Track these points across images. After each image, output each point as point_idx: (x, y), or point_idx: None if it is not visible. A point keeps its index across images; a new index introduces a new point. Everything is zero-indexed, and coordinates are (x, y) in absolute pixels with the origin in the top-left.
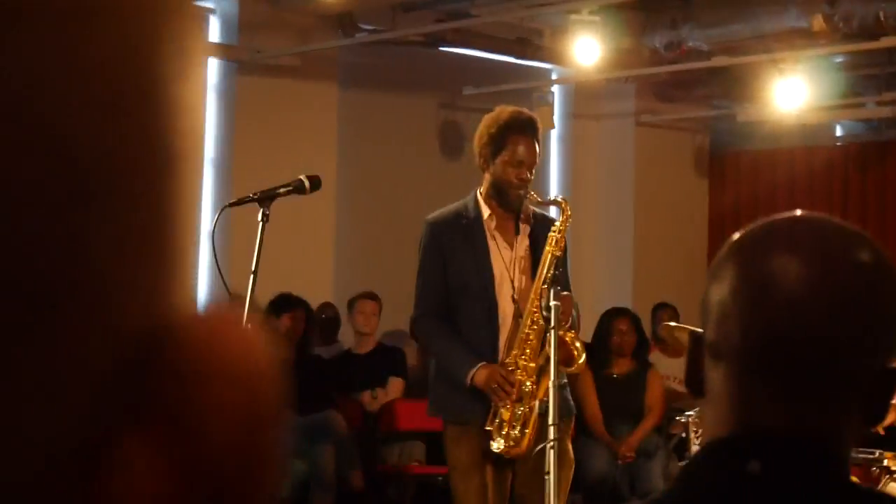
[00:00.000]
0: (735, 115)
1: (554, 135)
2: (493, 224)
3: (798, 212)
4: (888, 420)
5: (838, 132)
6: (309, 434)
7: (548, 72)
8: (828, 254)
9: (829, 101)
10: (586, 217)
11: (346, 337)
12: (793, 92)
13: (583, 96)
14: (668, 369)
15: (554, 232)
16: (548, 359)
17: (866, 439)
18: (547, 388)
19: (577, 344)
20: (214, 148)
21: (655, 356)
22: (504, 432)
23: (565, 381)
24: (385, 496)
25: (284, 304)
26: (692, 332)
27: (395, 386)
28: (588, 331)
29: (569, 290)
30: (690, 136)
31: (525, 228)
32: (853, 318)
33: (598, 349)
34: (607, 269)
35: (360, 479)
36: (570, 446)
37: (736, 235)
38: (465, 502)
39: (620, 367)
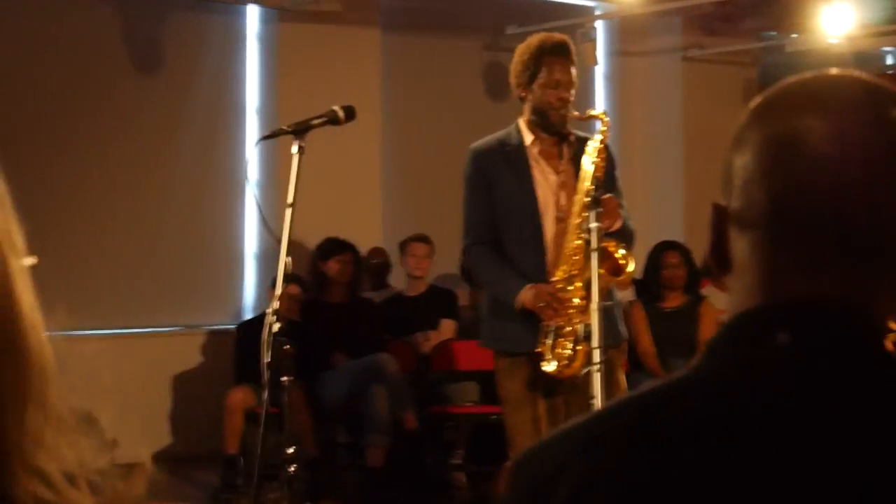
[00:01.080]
0: (784, 45)
1: (599, 72)
2: (537, 150)
3: (827, 70)
4: None
5: (889, 61)
6: (361, 377)
7: (591, 9)
8: (857, 110)
9: (877, 27)
10: (635, 154)
11: (397, 281)
12: (840, 18)
13: (627, 32)
14: (723, 303)
15: (594, 141)
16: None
17: None
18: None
19: (622, 252)
20: (259, 97)
21: (709, 290)
22: (556, 351)
23: (611, 303)
24: (439, 437)
25: (332, 248)
26: (715, 204)
27: (448, 327)
28: (640, 266)
29: (623, 203)
30: (738, 69)
31: (568, 152)
32: (884, 176)
33: (649, 283)
34: (659, 206)
35: (414, 420)
36: (622, 376)
37: (757, 99)
38: (518, 435)
39: (672, 301)
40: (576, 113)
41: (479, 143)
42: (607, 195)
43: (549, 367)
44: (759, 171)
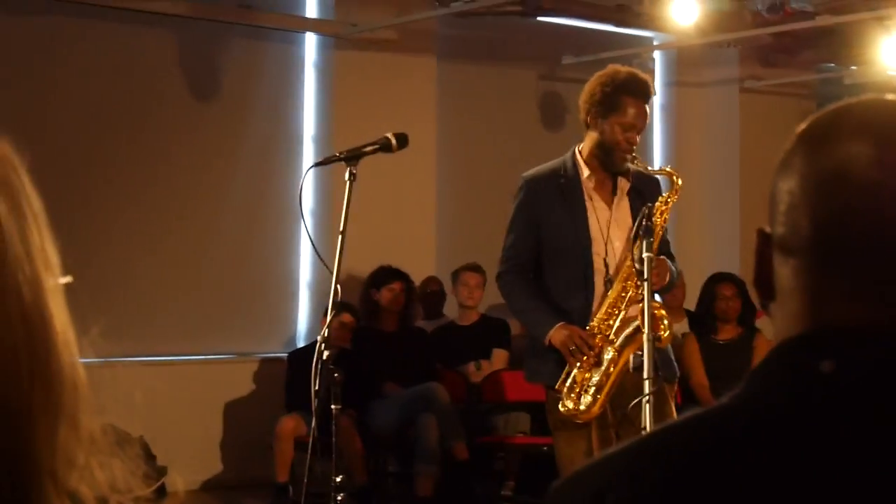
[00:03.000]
0: (842, 77)
1: (656, 103)
2: (592, 184)
3: (868, 96)
4: None
5: None
6: (412, 406)
7: (648, 39)
8: None
9: None
10: (692, 186)
11: (451, 311)
12: None
13: (684, 63)
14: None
15: (661, 203)
16: (636, 328)
17: None
18: (635, 352)
19: (665, 322)
20: (315, 125)
21: (764, 322)
22: (574, 395)
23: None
24: (489, 467)
25: (384, 276)
26: (759, 230)
27: (500, 357)
28: (694, 298)
29: (673, 261)
30: (796, 100)
31: (624, 186)
32: None
33: (703, 315)
34: (714, 238)
35: (464, 449)
36: (673, 410)
37: (802, 125)
38: (571, 466)
39: (726, 333)
40: (642, 163)
41: (532, 171)
42: (661, 257)
43: (564, 407)
44: (803, 197)
